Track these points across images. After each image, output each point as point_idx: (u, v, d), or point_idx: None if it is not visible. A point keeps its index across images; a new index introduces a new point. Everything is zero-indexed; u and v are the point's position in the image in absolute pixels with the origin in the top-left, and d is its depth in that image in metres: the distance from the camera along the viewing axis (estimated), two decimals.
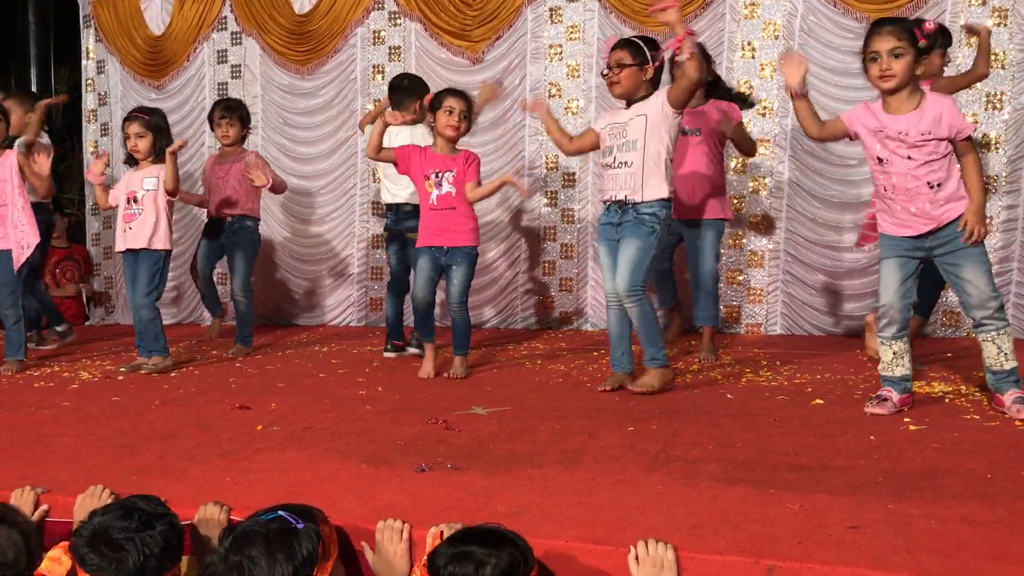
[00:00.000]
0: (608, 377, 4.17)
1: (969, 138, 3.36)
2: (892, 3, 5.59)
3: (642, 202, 3.91)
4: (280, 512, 2.00)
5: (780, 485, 2.52)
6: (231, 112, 5.59)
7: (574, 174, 6.45)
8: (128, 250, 4.87)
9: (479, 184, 4.53)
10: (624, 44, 3.95)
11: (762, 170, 6.00)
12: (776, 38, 5.93)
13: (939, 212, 3.35)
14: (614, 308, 4.06)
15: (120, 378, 4.71)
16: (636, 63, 3.89)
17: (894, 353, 3.51)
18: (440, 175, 4.49)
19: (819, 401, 3.73)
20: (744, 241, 6.07)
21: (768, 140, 5.96)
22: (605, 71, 3.99)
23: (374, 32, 6.87)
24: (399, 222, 5.25)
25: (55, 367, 5.16)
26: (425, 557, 2.00)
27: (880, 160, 3.40)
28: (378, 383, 4.43)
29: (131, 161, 4.97)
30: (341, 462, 2.92)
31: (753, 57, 5.97)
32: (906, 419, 3.34)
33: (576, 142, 4.24)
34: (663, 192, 3.91)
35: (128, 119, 4.91)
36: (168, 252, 4.90)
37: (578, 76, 6.37)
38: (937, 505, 2.30)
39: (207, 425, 3.53)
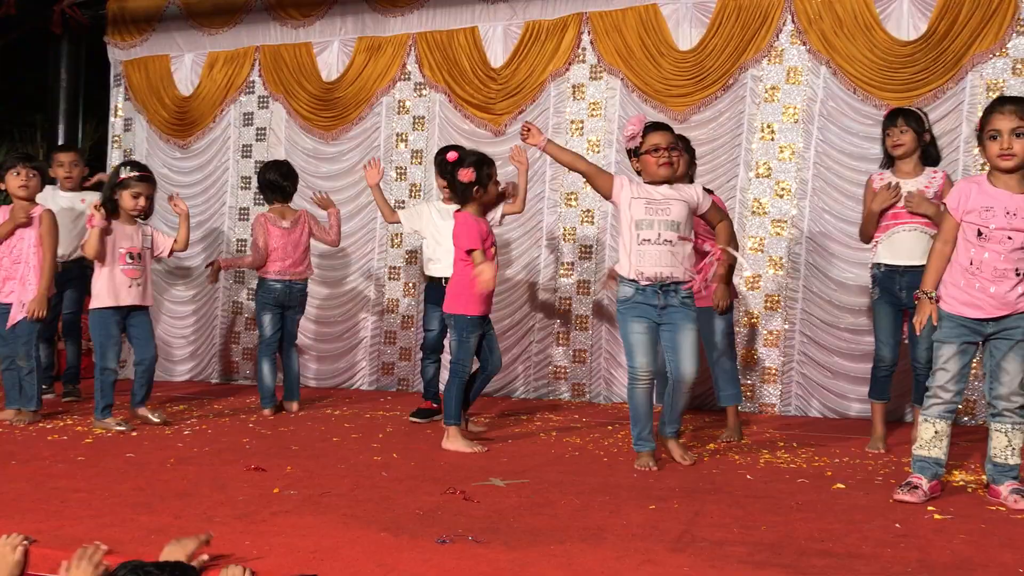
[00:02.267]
0: (641, 457, 4.07)
1: None
2: (912, 92, 5.68)
3: (682, 281, 3.98)
4: None
5: (809, 571, 2.48)
6: (288, 178, 5.79)
7: (591, 247, 6.50)
8: (122, 305, 4.89)
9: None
10: (670, 128, 4.08)
11: (779, 250, 6.03)
12: (796, 122, 6.02)
13: (1016, 299, 3.36)
14: (642, 386, 4.04)
15: (134, 434, 4.69)
16: (683, 150, 4.06)
17: (935, 432, 3.48)
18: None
19: (840, 485, 3.70)
20: (759, 321, 6.08)
21: (786, 222, 6.00)
22: (655, 149, 3.96)
23: (399, 101, 6.99)
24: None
25: (68, 420, 5.14)
26: None
27: (980, 233, 3.38)
28: (393, 449, 4.40)
29: (114, 213, 4.92)
30: (361, 529, 2.89)
31: (772, 139, 6.05)
32: (930, 507, 3.30)
33: (593, 169, 4.15)
34: (692, 272, 4.03)
35: (142, 179, 4.94)
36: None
37: (599, 151, 6.46)
38: None
39: (223, 486, 3.50)
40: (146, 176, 4.97)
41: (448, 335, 4.84)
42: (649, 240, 3.98)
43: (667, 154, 3.96)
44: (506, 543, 2.74)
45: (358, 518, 3.03)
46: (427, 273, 5.46)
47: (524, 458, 4.26)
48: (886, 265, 4.42)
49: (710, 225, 4.25)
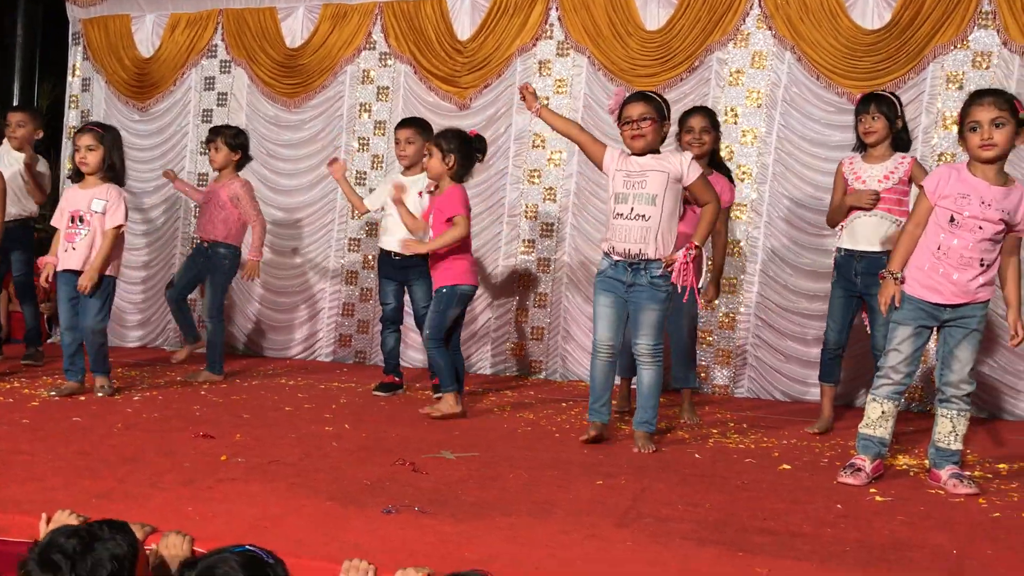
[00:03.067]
0: (588, 427, 4.13)
1: (1021, 239, 3.47)
2: (874, 81, 5.71)
3: (653, 260, 3.93)
4: (249, 547, 1.96)
5: (750, 548, 2.52)
6: (215, 136, 5.63)
7: (552, 224, 6.49)
8: (68, 270, 4.71)
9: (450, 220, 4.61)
10: (645, 98, 4.01)
11: (737, 234, 6.07)
12: (759, 106, 6.05)
13: (976, 289, 3.42)
14: (602, 359, 4.08)
15: (83, 398, 4.62)
16: (659, 119, 3.97)
17: (882, 412, 3.54)
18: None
19: (786, 466, 3.75)
20: (716, 303, 6.12)
21: (745, 205, 6.04)
22: (627, 122, 3.96)
23: (363, 71, 6.91)
24: None
25: (15, 383, 5.05)
26: None
27: (952, 219, 3.41)
28: (345, 420, 4.39)
29: (77, 177, 4.82)
30: (307, 498, 2.88)
31: (736, 123, 6.07)
32: (872, 490, 3.36)
33: (587, 137, 4.14)
34: (668, 251, 3.95)
35: (81, 131, 4.77)
36: (113, 279, 4.78)
37: None
38: None
39: (170, 452, 3.47)
40: (87, 128, 4.77)
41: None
42: (622, 215, 3.98)
43: (637, 125, 3.93)
44: (453, 515, 2.75)
45: (305, 487, 3.02)
46: (380, 245, 5.45)
47: (476, 432, 4.26)
48: (846, 250, 4.46)
49: (696, 202, 4.13)
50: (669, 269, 3.91)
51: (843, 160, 4.60)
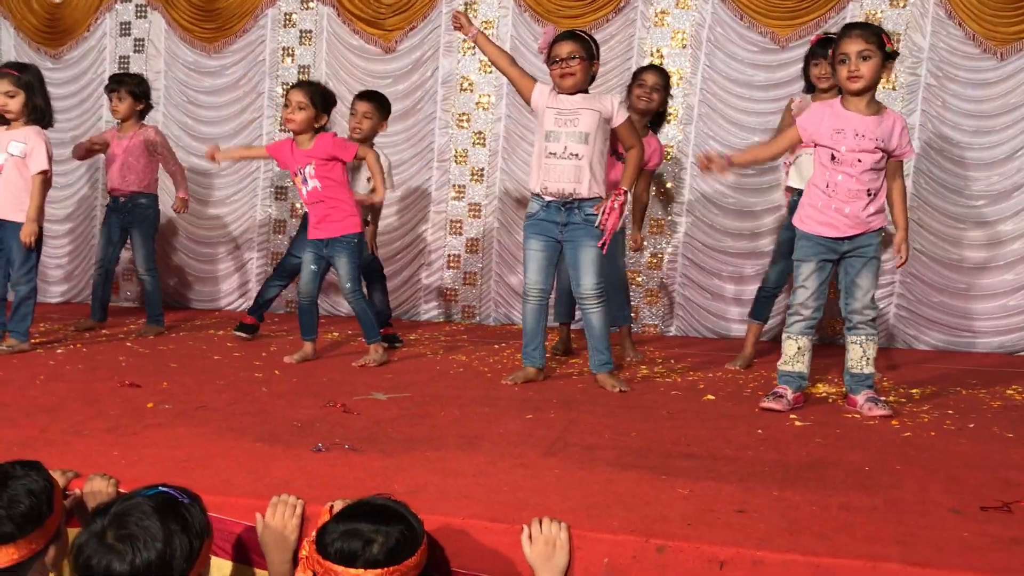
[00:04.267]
0: (516, 370, 4.19)
1: (902, 163, 3.56)
2: (796, 20, 5.79)
3: (586, 199, 3.93)
4: (161, 488, 1.90)
5: (672, 472, 2.59)
6: (119, 86, 5.47)
7: (483, 169, 6.47)
8: None
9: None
10: (574, 37, 3.96)
11: (664, 176, 6.13)
12: (684, 47, 6.08)
13: (868, 218, 3.52)
14: (533, 302, 4.08)
15: (3, 349, 4.51)
16: (588, 57, 3.94)
17: (798, 348, 3.65)
18: (302, 171, 4.46)
19: (711, 397, 3.85)
20: (644, 244, 6.20)
21: (672, 147, 6.10)
22: (556, 60, 3.92)
23: (285, 14, 6.75)
24: None
25: None
26: (314, 532, 1.96)
27: (833, 157, 3.50)
28: (275, 367, 4.36)
29: (1, 121, 4.65)
30: (235, 440, 2.87)
31: (661, 64, 6.08)
32: (792, 415, 3.47)
33: (516, 72, 4.07)
34: (601, 191, 3.97)
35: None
36: (40, 227, 4.61)
37: (490, 71, 6.39)
38: (819, 493, 2.40)
39: (94, 401, 3.41)
40: (3, 73, 4.60)
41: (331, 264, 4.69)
42: (555, 154, 3.95)
43: (567, 64, 3.90)
44: (382, 451, 2.77)
45: (233, 430, 3.01)
46: None
47: (408, 374, 4.28)
48: (798, 191, 4.44)
49: (622, 145, 4.14)
50: (597, 211, 3.93)
51: (793, 98, 4.69)
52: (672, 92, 5.04)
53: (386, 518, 1.88)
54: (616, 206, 3.92)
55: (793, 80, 5.55)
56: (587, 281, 3.98)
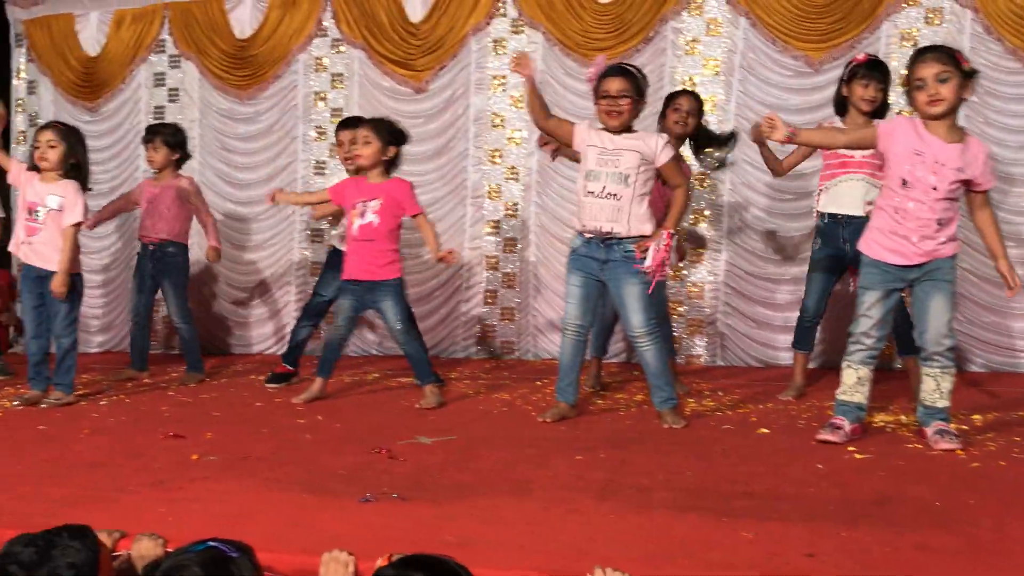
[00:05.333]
0: (551, 407, 4.12)
1: (987, 193, 3.44)
2: (829, 42, 5.72)
3: (627, 237, 3.85)
4: (211, 543, 1.88)
5: (733, 513, 2.49)
6: (154, 136, 5.52)
7: (516, 204, 6.44)
8: (32, 273, 4.58)
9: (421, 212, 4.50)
10: (625, 74, 3.87)
11: (701, 203, 6.06)
12: (717, 74, 6.03)
13: (936, 247, 3.40)
14: (571, 337, 4.02)
15: (43, 406, 4.50)
16: (637, 96, 3.86)
17: (858, 378, 3.53)
18: (365, 204, 4.43)
19: (764, 430, 3.74)
20: (684, 273, 6.11)
21: (707, 173, 6.02)
22: (604, 96, 3.84)
23: (316, 59, 6.80)
24: None
25: None
26: None
27: (905, 182, 3.39)
28: (318, 412, 4.32)
29: (35, 171, 4.64)
30: (282, 492, 2.82)
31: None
32: (851, 448, 3.36)
33: (553, 123, 4.03)
34: (647, 229, 3.87)
35: (43, 127, 4.68)
36: (79, 274, 4.65)
37: (521, 107, 6.37)
38: (890, 532, 2.30)
39: (139, 454, 3.38)
40: (49, 124, 4.68)
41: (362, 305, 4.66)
42: (593, 192, 3.88)
43: (615, 102, 3.82)
44: (430, 499, 2.71)
45: (279, 481, 2.96)
46: (332, 243, 5.33)
47: (452, 416, 4.22)
48: (829, 215, 4.36)
49: (667, 184, 4.03)
50: (642, 256, 3.82)
51: (821, 124, 4.56)
52: (706, 118, 5.01)
53: (442, 571, 1.81)
54: (662, 248, 3.83)
55: (829, 102, 5.46)
56: (635, 319, 3.89)
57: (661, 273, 3.88)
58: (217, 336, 7.03)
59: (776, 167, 4.66)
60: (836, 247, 4.35)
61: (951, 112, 3.37)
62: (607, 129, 3.90)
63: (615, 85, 3.83)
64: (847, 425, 3.49)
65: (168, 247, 5.45)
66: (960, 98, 3.36)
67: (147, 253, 5.51)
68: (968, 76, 3.36)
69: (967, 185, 3.40)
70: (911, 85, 3.41)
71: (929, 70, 3.34)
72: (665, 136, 4.03)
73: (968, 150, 3.37)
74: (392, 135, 4.51)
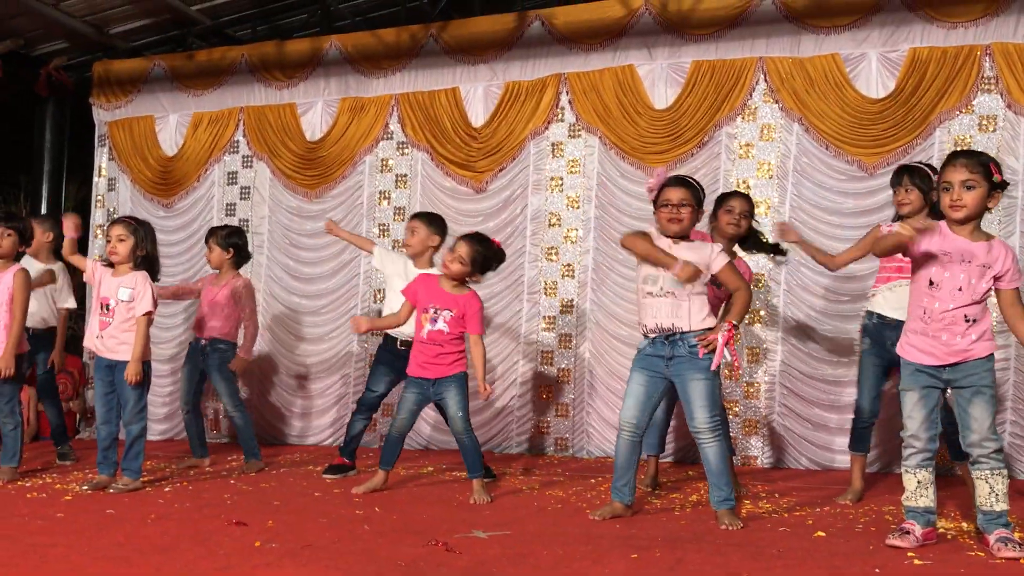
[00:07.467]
0: (604, 505, 4.14)
1: (1018, 289, 3.47)
2: (883, 148, 5.83)
3: (690, 331, 3.94)
4: None
5: None
6: (209, 237, 5.76)
7: (572, 300, 6.56)
8: (102, 363, 4.77)
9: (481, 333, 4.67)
10: (686, 185, 4.04)
11: (757, 304, 6.11)
12: (771, 178, 6.16)
13: (967, 347, 3.42)
14: (627, 436, 4.07)
15: (111, 491, 4.64)
16: (696, 205, 4.02)
17: (918, 483, 3.51)
18: (439, 310, 4.59)
19: (821, 533, 3.71)
20: (739, 373, 6.13)
21: (763, 275, 6.09)
22: (665, 205, 3.99)
23: (382, 160, 7.10)
24: None
25: (47, 479, 5.09)
26: None
27: (932, 283, 3.45)
28: (375, 503, 4.39)
29: (108, 265, 4.87)
30: None
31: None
32: (910, 553, 3.32)
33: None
34: (709, 322, 3.97)
35: (114, 222, 4.89)
36: (148, 363, 4.82)
37: (578, 207, 6.57)
38: None
39: (204, 540, 3.47)
40: (119, 218, 4.92)
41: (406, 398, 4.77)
42: (652, 293, 4.00)
43: (676, 210, 3.97)
44: None
45: (340, 570, 3.02)
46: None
47: (506, 511, 4.25)
48: (878, 316, 4.42)
49: (727, 289, 4.16)
50: (707, 352, 3.90)
51: (881, 225, 4.58)
52: (759, 219, 5.13)
53: None
54: (724, 341, 3.90)
55: (884, 206, 5.54)
56: (700, 415, 3.94)
57: (736, 362, 3.94)
58: (274, 426, 7.17)
59: (827, 262, 4.75)
60: (883, 347, 4.39)
61: (972, 219, 3.44)
62: (667, 236, 4.04)
63: (676, 195, 3.99)
64: (917, 530, 3.45)
65: (219, 343, 5.63)
66: (984, 207, 3.42)
67: (197, 347, 5.70)
68: (997, 188, 3.41)
69: (996, 283, 3.43)
70: (939, 186, 3.49)
71: (957, 175, 3.41)
72: (719, 245, 4.15)
73: (993, 249, 3.43)
74: (484, 265, 4.68)
